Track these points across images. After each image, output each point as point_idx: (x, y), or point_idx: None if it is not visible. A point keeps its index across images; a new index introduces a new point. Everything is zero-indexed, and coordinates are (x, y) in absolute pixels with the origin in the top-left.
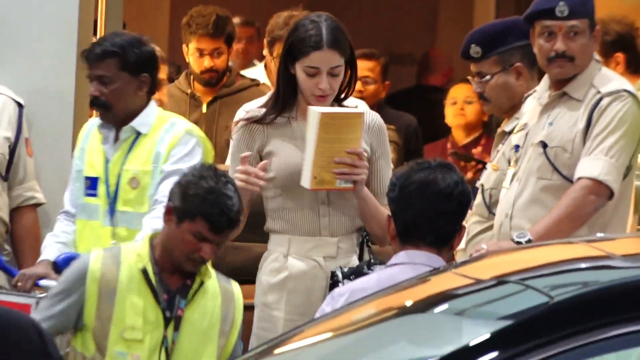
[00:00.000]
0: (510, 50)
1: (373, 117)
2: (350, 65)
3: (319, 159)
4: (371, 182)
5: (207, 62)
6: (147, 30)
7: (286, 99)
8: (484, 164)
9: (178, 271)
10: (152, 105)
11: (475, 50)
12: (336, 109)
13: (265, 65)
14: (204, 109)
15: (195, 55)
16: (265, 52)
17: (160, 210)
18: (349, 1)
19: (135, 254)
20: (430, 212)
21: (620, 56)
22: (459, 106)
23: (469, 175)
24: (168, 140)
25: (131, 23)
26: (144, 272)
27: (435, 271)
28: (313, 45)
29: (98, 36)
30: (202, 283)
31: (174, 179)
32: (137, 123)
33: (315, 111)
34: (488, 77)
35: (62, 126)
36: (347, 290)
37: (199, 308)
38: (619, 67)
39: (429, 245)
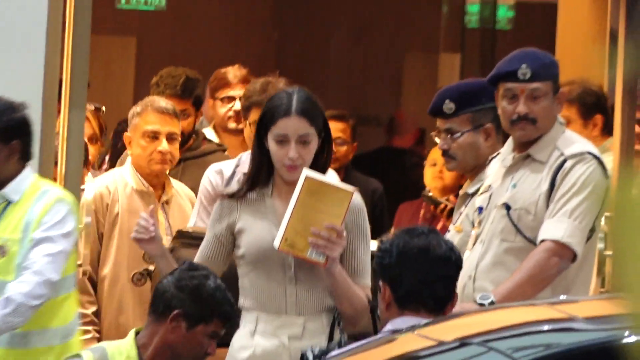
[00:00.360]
0: (482, 110)
1: (354, 197)
2: (325, 138)
3: (296, 222)
4: (346, 261)
5: None
6: (113, 89)
7: (259, 175)
8: (452, 209)
9: None
10: (27, 171)
11: (449, 106)
12: (326, 179)
13: (214, 127)
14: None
15: None
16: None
17: (28, 277)
18: (317, 65)
19: (125, 356)
20: (433, 277)
21: (599, 118)
22: (438, 168)
23: (441, 223)
24: (39, 208)
25: (96, 82)
26: None
27: (398, 332)
28: (282, 113)
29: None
30: None
31: (44, 246)
32: (8, 190)
33: (304, 173)
34: (458, 134)
35: None
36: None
37: None
38: (596, 128)
39: (429, 311)
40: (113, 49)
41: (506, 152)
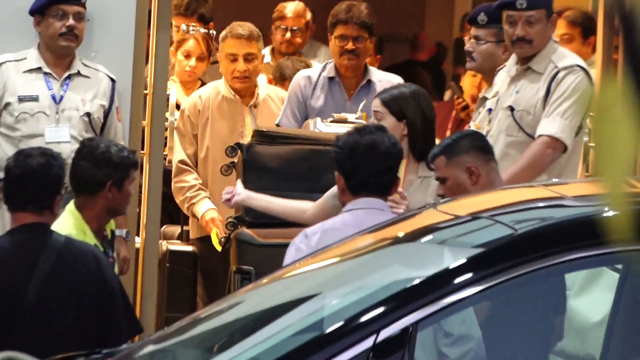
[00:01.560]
0: None
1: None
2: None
3: None
4: None
5: None
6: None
7: None
8: (467, 105)
9: None
10: None
11: (482, 17)
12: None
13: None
14: None
15: None
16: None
17: None
18: None
19: (80, 230)
20: (379, 168)
21: (593, 38)
22: (478, 80)
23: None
24: None
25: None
26: None
27: (422, 208)
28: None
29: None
30: None
31: None
32: None
33: None
34: (483, 42)
35: None
36: (318, 229)
37: None
38: (590, 47)
39: (378, 195)
40: None
41: (511, 65)
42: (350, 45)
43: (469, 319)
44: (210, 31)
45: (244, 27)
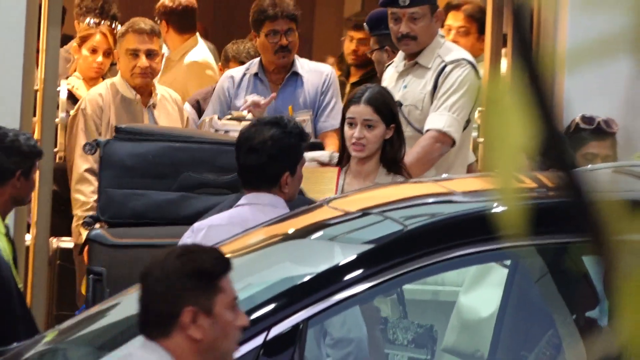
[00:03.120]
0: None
1: None
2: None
3: None
4: None
5: None
6: None
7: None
8: None
9: None
10: None
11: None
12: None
13: None
14: None
15: None
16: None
17: None
18: None
19: None
20: (250, 163)
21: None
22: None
23: None
24: None
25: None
26: None
27: (313, 205)
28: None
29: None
30: None
31: None
32: None
33: None
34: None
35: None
36: (205, 225)
37: None
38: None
39: (263, 189)
40: None
41: (398, 60)
42: (284, 41)
43: (350, 321)
44: (117, 26)
45: (145, 22)
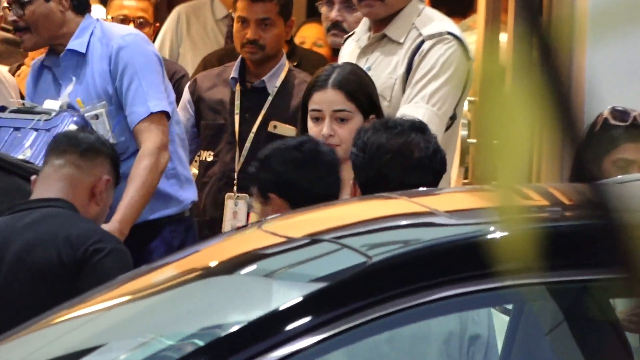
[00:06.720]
0: None
1: None
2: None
3: None
4: None
5: None
6: None
7: None
8: None
9: None
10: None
11: None
12: None
13: None
14: None
15: None
16: None
17: None
18: None
19: None
20: (407, 186)
21: None
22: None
23: None
24: None
25: None
26: None
27: (242, 228)
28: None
29: None
30: None
31: None
32: None
33: None
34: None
35: None
36: None
37: None
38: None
39: None
40: None
41: (361, 32)
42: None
43: None
44: None
45: None
